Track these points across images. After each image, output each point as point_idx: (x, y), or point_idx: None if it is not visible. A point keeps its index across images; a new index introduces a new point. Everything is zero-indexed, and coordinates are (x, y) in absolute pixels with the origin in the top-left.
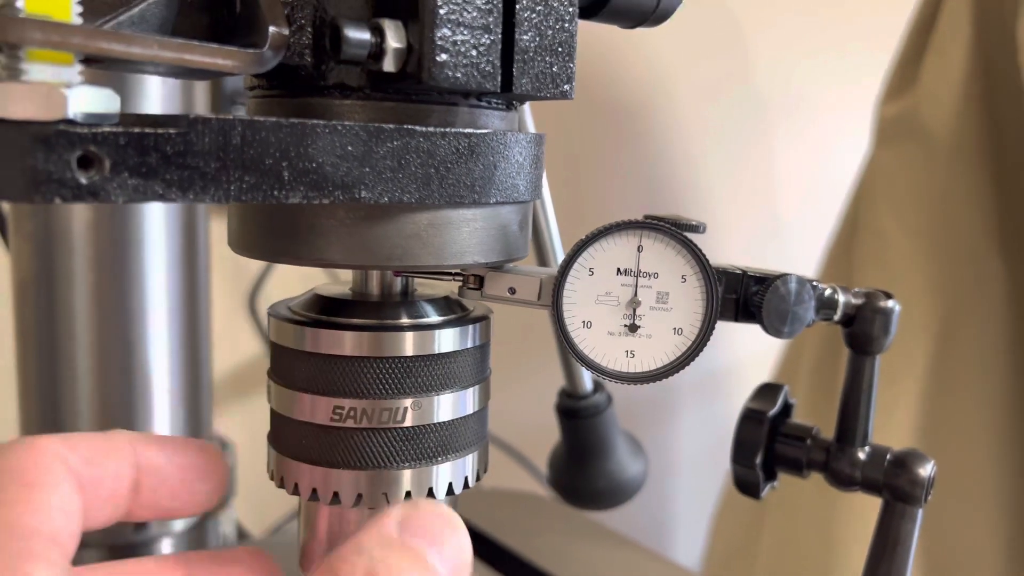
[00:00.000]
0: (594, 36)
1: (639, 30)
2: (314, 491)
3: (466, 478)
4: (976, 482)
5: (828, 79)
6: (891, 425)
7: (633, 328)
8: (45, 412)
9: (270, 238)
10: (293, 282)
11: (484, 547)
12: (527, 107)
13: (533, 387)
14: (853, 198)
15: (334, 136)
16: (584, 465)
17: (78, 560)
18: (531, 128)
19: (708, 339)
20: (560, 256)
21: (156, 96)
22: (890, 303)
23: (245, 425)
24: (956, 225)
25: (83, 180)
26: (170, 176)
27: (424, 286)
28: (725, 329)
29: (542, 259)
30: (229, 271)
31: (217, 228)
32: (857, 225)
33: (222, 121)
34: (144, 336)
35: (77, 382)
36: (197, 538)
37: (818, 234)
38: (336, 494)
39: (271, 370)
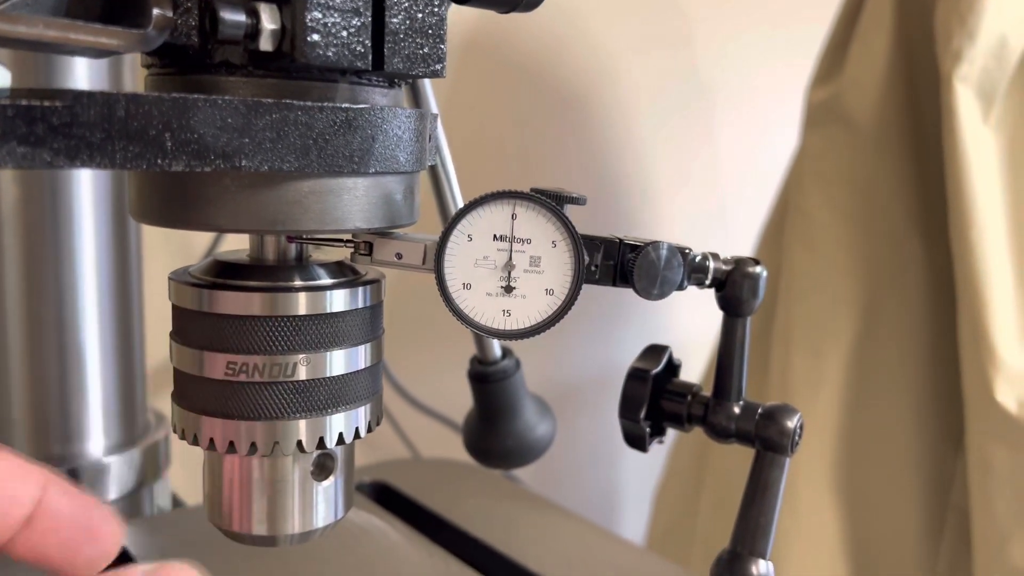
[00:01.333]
0: (539, 27)
1: (584, 18)
2: (211, 441)
3: (357, 428)
4: (897, 454)
5: (771, 65)
6: (818, 400)
7: (509, 289)
8: None
9: (164, 205)
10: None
11: (412, 513)
12: (427, 86)
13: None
14: (785, 181)
15: (214, 109)
16: (494, 426)
17: None
18: (433, 106)
19: (576, 298)
20: (460, 200)
21: (83, 76)
22: (758, 268)
23: None
24: (880, 208)
25: None
26: (57, 145)
27: (319, 252)
28: (673, 308)
29: (441, 205)
30: (175, 251)
31: None
32: (788, 207)
33: (107, 95)
34: (77, 312)
35: (9, 359)
36: (130, 507)
37: (761, 217)
38: (232, 443)
39: (172, 332)
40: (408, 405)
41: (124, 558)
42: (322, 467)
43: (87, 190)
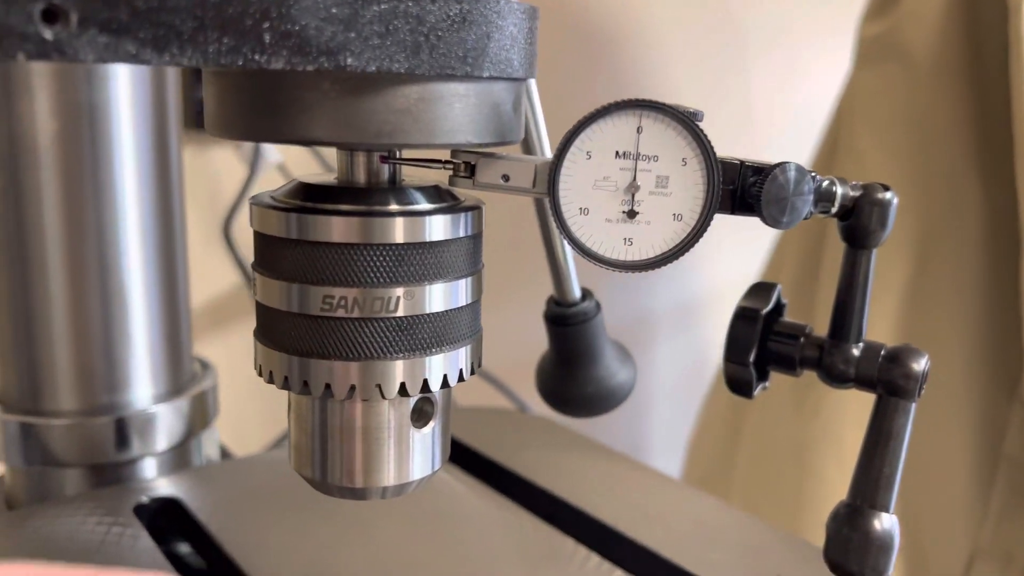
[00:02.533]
0: None
1: None
2: (305, 384)
3: (461, 371)
4: (948, 400)
5: (805, 4)
6: None
7: (632, 214)
8: (18, 336)
9: (250, 116)
10: None
11: (468, 461)
12: None
13: (507, 315)
14: (832, 120)
15: None
16: (572, 372)
17: (61, 479)
18: None
19: (708, 226)
20: (548, 148)
21: None
22: (887, 195)
23: (224, 352)
24: (935, 145)
25: (48, 35)
26: (143, 35)
27: (411, 178)
28: (702, 256)
29: (527, 151)
30: (203, 200)
31: (189, 159)
32: (836, 147)
33: None
34: (120, 253)
35: (51, 304)
36: (179, 457)
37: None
38: (328, 386)
39: (255, 263)
40: None
41: (178, 510)
42: (421, 413)
43: (128, 123)
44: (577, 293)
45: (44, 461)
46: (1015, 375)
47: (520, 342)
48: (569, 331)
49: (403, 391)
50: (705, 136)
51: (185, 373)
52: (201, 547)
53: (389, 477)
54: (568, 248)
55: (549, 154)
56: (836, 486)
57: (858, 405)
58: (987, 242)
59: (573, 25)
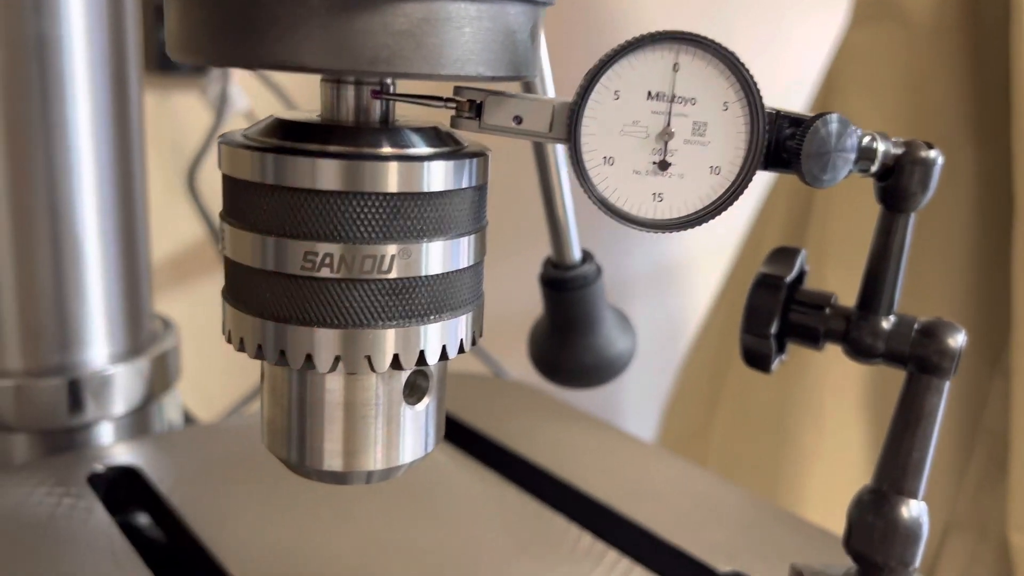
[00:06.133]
0: None
1: None
2: (282, 353)
3: (461, 341)
4: None
5: None
6: None
7: (663, 165)
8: None
9: (222, 36)
10: None
11: (449, 430)
12: None
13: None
14: (823, 84)
15: None
16: (570, 340)
17: (9, 445)
18: None
19: (749, 182)
20: (551, 89)
21: None
22: (932, 153)
23: (187, 309)
24: (932, 111)
25: None
26: None
27: (405, 117)
28: None
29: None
30: (165, 148)
31: (151, 104)
32: (829, 110)
33: None
34: (72, 200)
35: None
36: (139, 422)
37: None
38: (309, 357)
39: (224, 211)
40: None
41: (136, 479)
42: (414, 387)
43: (81, 58)
44: (577, 255)
45: None
46: (999, 346)
47: (498, 299)
48: (567, 296)
49: (396, 364)
50: (752, 77)
51: (144, 332)
52: (161, 520)
53: (376, 460)
54: (569, 203)
55: (551, 94)
56: (813, 453)
57: (837, 371)
58: (979, 210)
59: None
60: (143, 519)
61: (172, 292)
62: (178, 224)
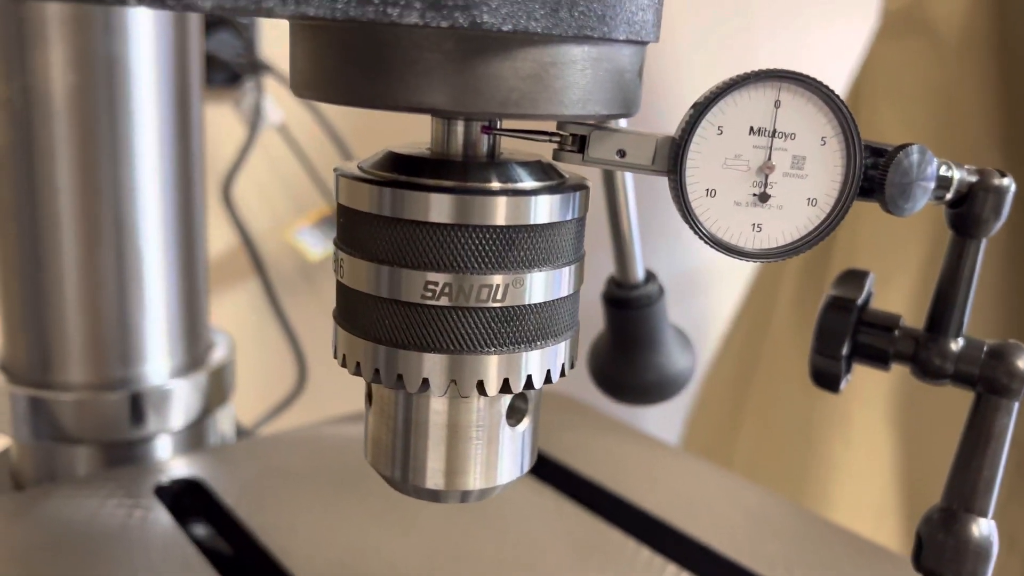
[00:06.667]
0: None
1: None
2: (399, 377)
3: (562, 366)
4: None
5: None
6: None
7: (764, 197)
8: (28, 302)
9: (355, 77)
10: (263, 171)
11: None
12: None
13: None
14: (848, 96)
15: None
16: (632, 358)
17: (72, 457)
18: None
19: (845, 212)
20: None
21: None
22: (1005, 181)
23: (219, 318)
24: (959, 123)
25: None
26: None
27: (508, 150)
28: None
29: None
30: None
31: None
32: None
33: None
34: (137, 216)
35: (63, 268)
36: (195, 436)
37: None
38: (426, 381)
39: (340, 239)
40: None
41: (201, 492)
42: (514, 410)
43: (148, 77)
44: (641, 274)
45: (54, 437)
46: None
47: None
48: (631, 315)
49: (505, 388)
50: (850, 113)
51: (202, 345)
52: (225, 530)
53: (476, 480)
54: (634, 223)
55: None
56: (841, 464)
57: (864, 381)
58: (1007, 223)
59: None
60: (202, 529)
61: (220, 301)
62: (212, 234)
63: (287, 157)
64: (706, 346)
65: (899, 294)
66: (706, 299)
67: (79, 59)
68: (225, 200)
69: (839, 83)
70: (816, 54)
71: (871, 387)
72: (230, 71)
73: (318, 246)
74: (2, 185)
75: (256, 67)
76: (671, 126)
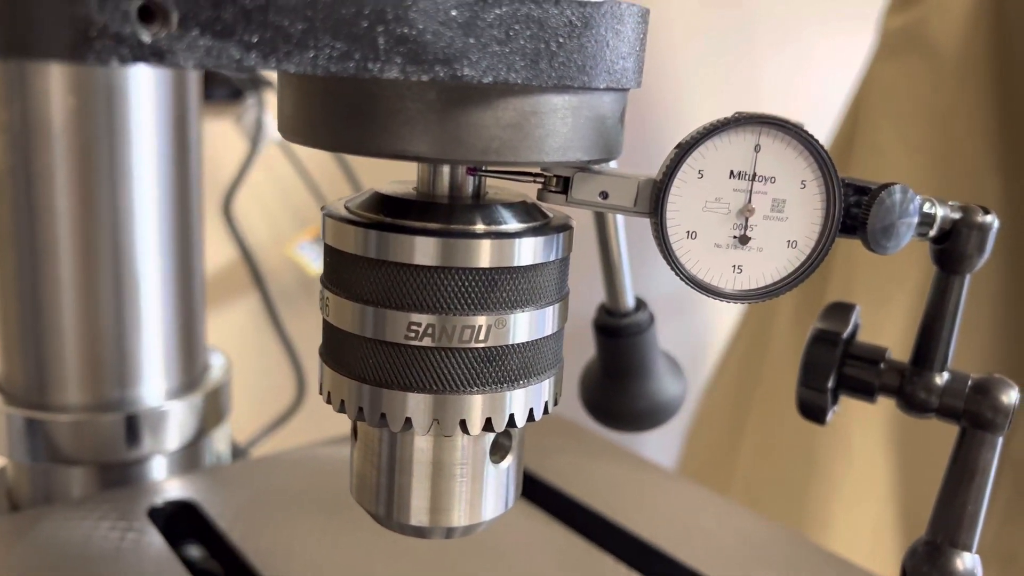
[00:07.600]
0: None
1: None
2: (382, 416)
3: (545, 403)
4: None
5: None
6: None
7: (744, 240)
8: (25, 324)
9: (339, 125)
10: (264, 186)
11: None
12: None
13: None
14: (848, 114)
15: None
16: (623, 386)
17: (67, 477)
18: None
19: (825, 254)
20: None
21: None
22: (988, 218)
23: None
24: (958, 143)
25: (145, 37)
26: (249, 37)
27: (494, 189)
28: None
29: None
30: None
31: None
32: (853, 142)
33: None
34: (134, 239)
35: (60, 290)
36: (191, 456)
37: None
38: (409, 420)
39: (327, 279)
40: None
41: (194, 514)
42: (497, 447)
43: (148, 103)
44: (631, 303)
45: (50, 458)
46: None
47: None
48: (621, 343)
49: (487, 426)
50: (829, 158)
51: (199, 366)
52: (218, 553)
53: (461, 517)
54: (624, 252)
55: None
56: (843, 485)
57: (867, 406)
58: (1007, 243)
59: None
60: (195, 552)
61: (209, 315)
62: (211, 250)
63: (288, 172)
64: (704, 362)
65: (899, 312)
66: (706, 314)
67: (78, 83)
68: (226, 215)
69: (841, 99)
70: (819, 70)
71: (871, 408)
72: (231, 86)
73: (318, 260)
74: (1, 208)
75: (257, 83)
76: (675, 143)
